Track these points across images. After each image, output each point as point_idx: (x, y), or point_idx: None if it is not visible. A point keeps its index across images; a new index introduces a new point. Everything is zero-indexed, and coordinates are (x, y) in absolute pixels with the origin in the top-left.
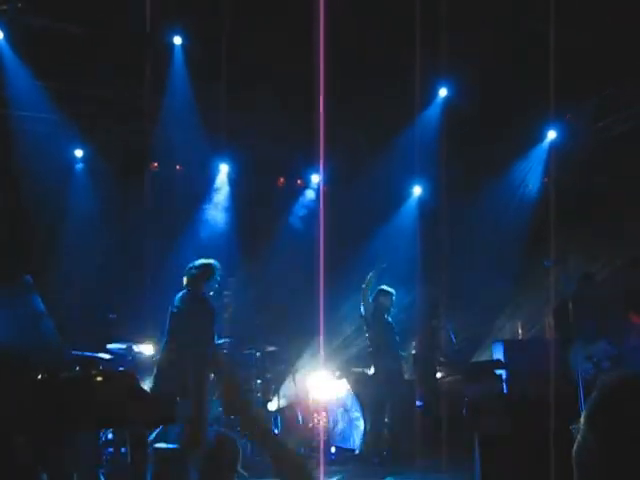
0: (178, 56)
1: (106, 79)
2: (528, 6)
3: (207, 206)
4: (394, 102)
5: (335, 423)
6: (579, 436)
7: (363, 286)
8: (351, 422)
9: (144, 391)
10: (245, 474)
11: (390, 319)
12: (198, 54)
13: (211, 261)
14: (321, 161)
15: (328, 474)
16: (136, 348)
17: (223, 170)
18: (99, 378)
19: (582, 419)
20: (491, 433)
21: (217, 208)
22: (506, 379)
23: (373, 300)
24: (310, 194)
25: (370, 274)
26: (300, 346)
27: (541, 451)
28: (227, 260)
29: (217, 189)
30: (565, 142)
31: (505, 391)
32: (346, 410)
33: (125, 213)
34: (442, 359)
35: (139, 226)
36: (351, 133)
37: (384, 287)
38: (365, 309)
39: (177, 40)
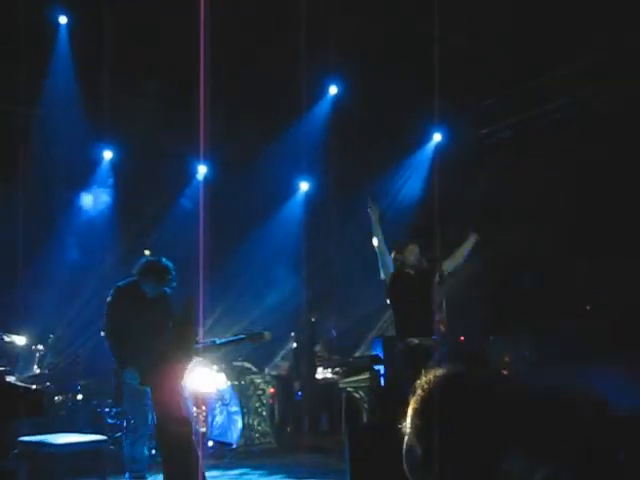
0: (62, 36)
1: None
2: (418, 8)
3: (87, 192)
4: (284, 97)
5: (213, 417)
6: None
7: (376, 242)
8: (229, 416)
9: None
10: None
11: None
12: (83, 36)
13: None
14: (201, 152)
15: (205, 468)
16: (7, 338)
17: (106, 156)
18: None
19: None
20: (361, 423)
21: (98, 195)
22: (384, 374)
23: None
24: (195, 185)
25: (373, 225)
26: None
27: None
28: (105, 248)
29: (99, 175)
30: (449, 146)
31: (382, 385)
32: (224, 404)
33: (2, 199)
34: (321, 353)
35: (14, 214)
36: (239, 126)
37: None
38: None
39: (62, 20)
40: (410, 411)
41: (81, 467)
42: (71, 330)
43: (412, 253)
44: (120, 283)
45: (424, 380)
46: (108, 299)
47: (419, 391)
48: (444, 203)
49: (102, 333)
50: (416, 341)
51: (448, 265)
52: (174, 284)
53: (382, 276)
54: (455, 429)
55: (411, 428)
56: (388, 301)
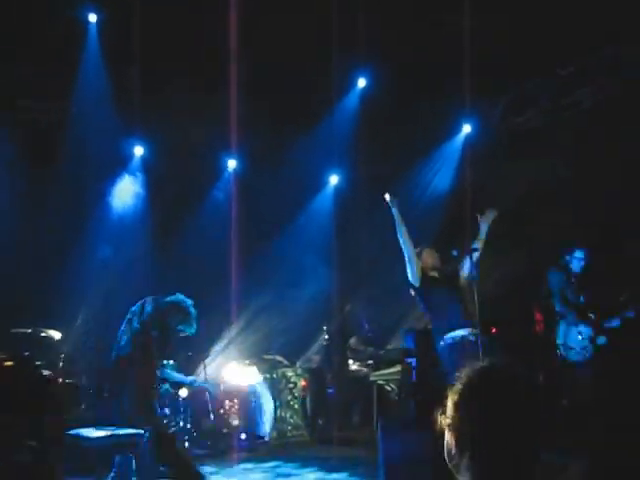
0: (92, 34)
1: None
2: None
3: (118, 187)
4: (313, 90)
5: (246, 410)
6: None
7: (401, 238)
8: (262, 409)
9: (46, 377)
10: None
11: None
12: (113, 33)
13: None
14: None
15: (239, 461)
16: (43, 333)
17: (137, 152)
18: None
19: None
20: (394, 417)
21: (129, 191)
22: (415, 367)
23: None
24: (226, 179)
25: (397, 218)
26: (210, 333)
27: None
28: (139, 245)
29: (130, 171)
30: (479, 136)
31: (414, 379)
32: (257, 397)
33: (36, 197)
34: (355, 346)
35: (49, 211)
36: (269, 120)
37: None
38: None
39: (92, 18)
40: (450, 403)
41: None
42: (103, 324)
43: (430, 257)
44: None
45: (464, 374)
46: None
47: (459, 384)
48: (475, 194)
49: None
50: (455, 335)
51: (476, 247)
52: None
53: (409, 277)
54: (494, 421)
55: (452, 419)
56: (421, 305)
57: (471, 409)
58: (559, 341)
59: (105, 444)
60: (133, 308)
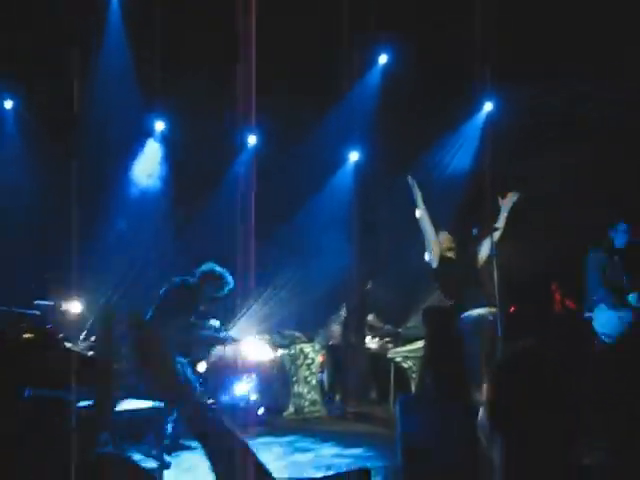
0: (114, 9)
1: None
2: None
3: (140, 164)
4: (334, 67)
5: (263, 385)
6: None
7: (419, 214)
8: (279, 384)
9: (70, 350)
10: None
11: None
12: (135, 11)
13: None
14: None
15: (257, 435)
16: (64, 305)
17: (158, 128)
18: (27, 335)
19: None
20: (410, 392)
21: (151, 166)
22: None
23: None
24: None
25: (417, 198)
26: (231, 308)
27: (458, 413)
28: (160, 219)
29: (151, 146)
30: (501, 116)
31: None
32: (275, 372)
33: (56, 171)
34: (373, 322)
35: (69, 185)
36: (290, 98)
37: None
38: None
39: None
40: (489, 381)
41: (141, 432)
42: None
43: (445, 240)
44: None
45: (505, 352)
46: None
47: (499, 363)
48: (496, 175)
49: None
50: (472, 314)
51: (499, 227)
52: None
53: (427, 257)
54: (532, 400)
55: (489, 396)
56: (440, 287)
57: (507, 389)
58: (599, 329)
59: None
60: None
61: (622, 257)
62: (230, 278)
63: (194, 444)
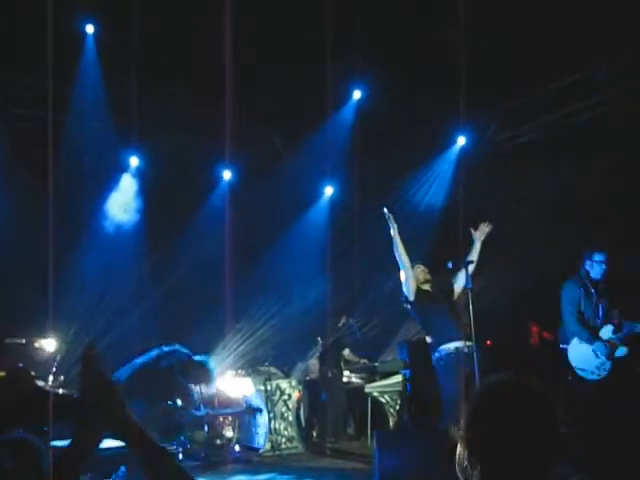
0: (90, 45)
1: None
2: (439, 12)
3: (114, 199)
4: (308, 102)
5: (240, 421)
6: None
7: (397, 252)
8: (256, 421)
9: (42, 390)
10: None
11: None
12: (110, 44)
13: None
14: (227, 157)
15: (232, 473)
16: (36, 344)
17: (133, 163)
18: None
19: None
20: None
21: (125, 201)
22: (409, 379)
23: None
24: (221, 191)
25: (392, 232)
26: (207, 345)
27: (435, 448)
28: (134, 253)
29: (125, 182)
30: (473, 149)
31: (408, 390)
32: (251, 409)
33: (30, 207)
34: (349, 357)
35: (44, 221)
36: (264, 133)
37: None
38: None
39: (89, 29)
40: (464, 415)
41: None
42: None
43: (420, 273)
44: None
45: (479, 386)
46: None
47: (473, 397)
48: (470, 207)
49: None
50: (450, 347)
51: (471, 259)
52: None
53: (404, 291)
54: (507, 435)
55: (465, 432)
56: (417, 320)
57: (484, 422)
58: (573, 363)
59: (110, 455)
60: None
61: (597, 289)
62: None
63: None
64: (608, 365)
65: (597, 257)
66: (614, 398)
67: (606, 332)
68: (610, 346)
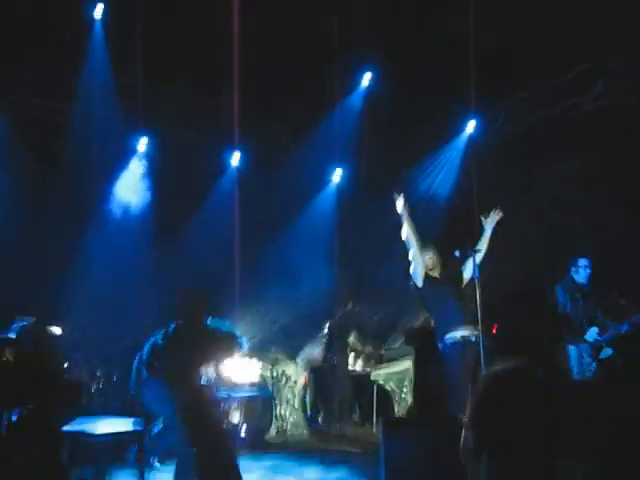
0: (97, 30)
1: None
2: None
3: (122, 184)
4: (317, 88)
5: (247, 406)
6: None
7: (407, 236)
8: (262, 407)
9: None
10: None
11: None
12: (117, 29)
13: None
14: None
15: (238, 458)
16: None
17: (141, 147)
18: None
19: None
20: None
21: (133, 186)
22: (415, 365)
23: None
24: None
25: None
26: None
27: (441, 435)
28: (142, 239)
29: (134, 167)
30: (481, 138)
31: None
32: (257, 394)
33: (42, 191)
34: (353, 344)
35: (56, 206)
36: (272, 117)
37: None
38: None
39: (97, 14)
40: (472, 402)
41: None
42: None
43: (429, 260)
44: None
45: (487, 374)
46: None
47: (481, 384)
48: (479, 194)
49: None
50: (455, 335)
51: (480, 248)
52: None
53: (413, 276)
54: (515, 421)
55: (472, 418)
56: (424, 305)
57: (491, 408)
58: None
59: (109, 440)
60: None
61: (583, 293)
62: None
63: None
64: (593, 366)
65: (581, 262)
66: (599, 398)
67: (591, 334)
68: (596, 348)
